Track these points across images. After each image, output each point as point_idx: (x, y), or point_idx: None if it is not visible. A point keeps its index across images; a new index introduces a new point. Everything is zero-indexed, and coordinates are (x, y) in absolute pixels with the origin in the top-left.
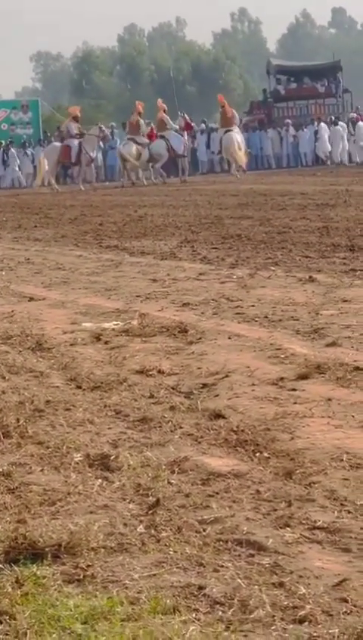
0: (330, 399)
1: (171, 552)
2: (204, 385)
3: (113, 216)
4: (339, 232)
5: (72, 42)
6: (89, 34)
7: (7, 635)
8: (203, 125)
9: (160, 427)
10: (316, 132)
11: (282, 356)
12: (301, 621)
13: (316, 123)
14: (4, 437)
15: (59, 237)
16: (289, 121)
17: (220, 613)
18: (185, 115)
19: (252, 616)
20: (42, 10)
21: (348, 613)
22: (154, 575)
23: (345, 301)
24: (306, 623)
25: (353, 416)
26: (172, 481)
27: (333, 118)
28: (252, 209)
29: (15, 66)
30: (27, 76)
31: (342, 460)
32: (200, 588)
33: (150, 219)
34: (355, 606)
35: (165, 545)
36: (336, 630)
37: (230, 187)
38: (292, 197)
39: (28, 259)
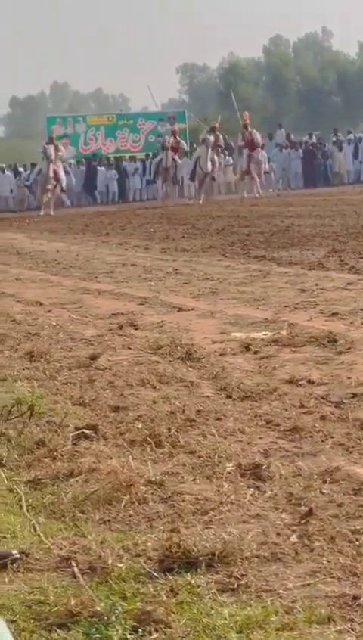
0: None
1: (324, 562)
2: (354, 395)
3: (260, 227)
4: None
5: (218, 54)
6: (235, 45)
7: None
8: (351, 136)
9: (311, 436)
10: None
11: None
12: None
13: None
14: (156, 447)
15: (207, 248)
16: None
17: None
18: (252, 131)
19: None
20: (187, 23)
21: None
22: (308, 584)
23: None
24: None
25: None
26: (324, 491)
27: None
28: None
29: (162, 79)
30: (174, 88)
31: None
32: (355, 598)
33: (297, 229)
34: None
35: (319, 554)
36: None
37: None
38: None
39: (176, 269)
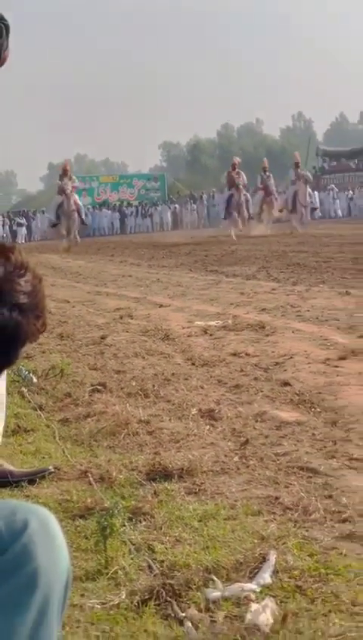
0: (360, 373)
1: (256, 474)
2: (276, 363)
3: (214, 251)
4: None
5: (186, 135)
6: (198, 129)
7: (148, 527)
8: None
9: (247, 391)
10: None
11: (328, 344)
12: (344, 521)
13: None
14: (144, 397)
15: (179, 265)
16: (332, 186)
17: (289, 515)
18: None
19: (311, 517)
20: (167, 114)
21: None
22: (245, 489)
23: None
24: (347, 522)
25: None
26: (256, 427)
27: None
28: (307, 245)
29: (149, 152)
30: (157, 158)
31: None
32: (276, 498)
33: (238, 252)
34: None
35: (252, 469)
36: None
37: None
38: (333, 238)
39: (158, 279)
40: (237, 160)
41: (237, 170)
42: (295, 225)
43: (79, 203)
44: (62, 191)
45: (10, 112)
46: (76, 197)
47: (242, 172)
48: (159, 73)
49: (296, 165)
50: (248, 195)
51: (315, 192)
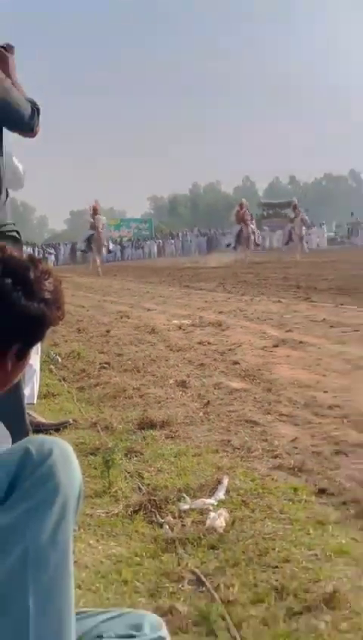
0: (287, 356)
1: (214, 425)
2: (229, 349)
3: (187, 272)
4: (293, 279)
5: (167, 191)
6: (175, 187)
7: (139, 461)
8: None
9: (209, 368)
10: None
11: (265, 336)
12: (275, 457)
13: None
14: (136, 372)
15: (161, 282)
16: (266, 227)
17: (237, 453)
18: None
19: (252, 454)
20: (154, 176)
21: (298, 454)
22: (207, 435)
23: (295, 311)
24: (277, 458)
25: (300, 365)
26: (215, 393)
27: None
28: (252, 269)
29: (140, 202)
30: (146, 207)
31: (294, 384)
32: (228, 441)
33: (203, 274)
34: (302, 450)
35: (212, 422)
36: (292, 461)
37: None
38: (273, 263)
39: (147, 291)
40: (244, 201)
41: (244, 210)
42: (295, 253)
43: (106, 236)
44: (94, 226)
45: (44, 169)
46: (104, 231)
47: (248, 211)
48: (147, 142)
49: (294, 207)
50: (254, 228)
51: (257, 230)
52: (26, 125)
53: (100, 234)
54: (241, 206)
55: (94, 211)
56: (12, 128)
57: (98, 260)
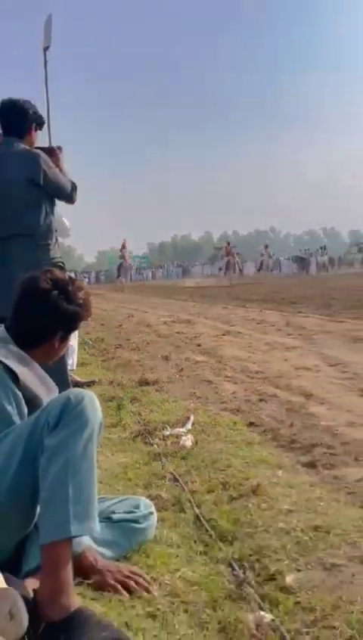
0: (231, 341)
1: (186, 384)
2: (195, 337)
3: (170, 290)
4: (234, 294)
5: (158, 239)
6: (163, 237)
7: (138, 405)
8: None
9: (182, 348)
10: None
11: (217, 329)
12: (222, 402)
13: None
14: (138, 350)
15: (152, 295)
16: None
17: (199, 400)
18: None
19: (209, 400)
20: (150, 228)
21: (236, 401)
22: (181, 389)
23: (236, 313)
24: (224, 403)
25: (238, 347)
26: (186, 363)
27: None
28: (211, 288)
29: (141, 246)
30: (144, 249)
31: (234, 358)
32: (194, 393)
33: (180, 290)
34: (239, 398)
35: (184, 381)
36: (233, 405)
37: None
38: (218, 285)
39: (143, 301)
40: (229, 242)
41: (230, 247)
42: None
43: (132, 264)
44: (123, 257)
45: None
46: (131, 261)
47: (232, 248)
48: (145, 196)
49: (227, 245)
50: (238, 259)
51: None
52: (69, 198)
53: (127, 263)
54: (228, 244)
55: (123, 246)
56: (60, 199)
57: (124, 281)
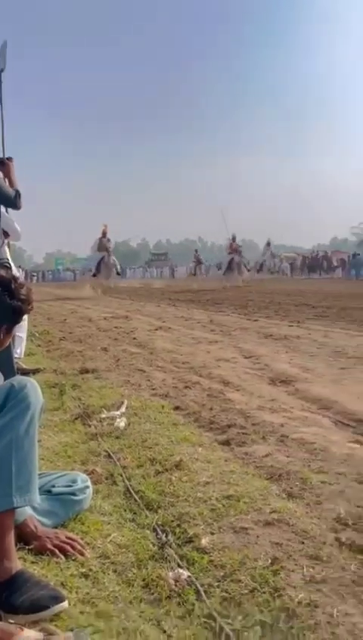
0: (162, 335)
1: (122, 372)
2: (131, 331)
3: (111, 289)
4: (166, 294)
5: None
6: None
7: (78, 391)
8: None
9: (119, 341)
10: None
11: (151, 324)
12: (153, 389)
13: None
14: (80, 342)
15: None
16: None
17: (133, 387)
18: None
19: (141, 387)
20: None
21: (165, 387)
22: (117, 377)
23: (167, 311)
24: (154, 390)
25: (168, 340)
26: (122, 354)
27: None
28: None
29: (86, 251)
30: (88, 253)
31: (165, 350)
32: (128, 380)
33: (121, 289)
34: (167, 385)
35: (120, 370)
36: (162, 392)
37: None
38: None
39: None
40: (234, 238)
41: (236, 242)
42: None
43: (115, 259)
44: (104, 248)
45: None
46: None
47: (238, 244)
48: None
49: (268, 244)
50: (243, 257)
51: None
52: (13, 205)
53: (109, 256)
54: (234, 239)
55: (103, 234)
56: (6, 206)
57: (107, 280)
